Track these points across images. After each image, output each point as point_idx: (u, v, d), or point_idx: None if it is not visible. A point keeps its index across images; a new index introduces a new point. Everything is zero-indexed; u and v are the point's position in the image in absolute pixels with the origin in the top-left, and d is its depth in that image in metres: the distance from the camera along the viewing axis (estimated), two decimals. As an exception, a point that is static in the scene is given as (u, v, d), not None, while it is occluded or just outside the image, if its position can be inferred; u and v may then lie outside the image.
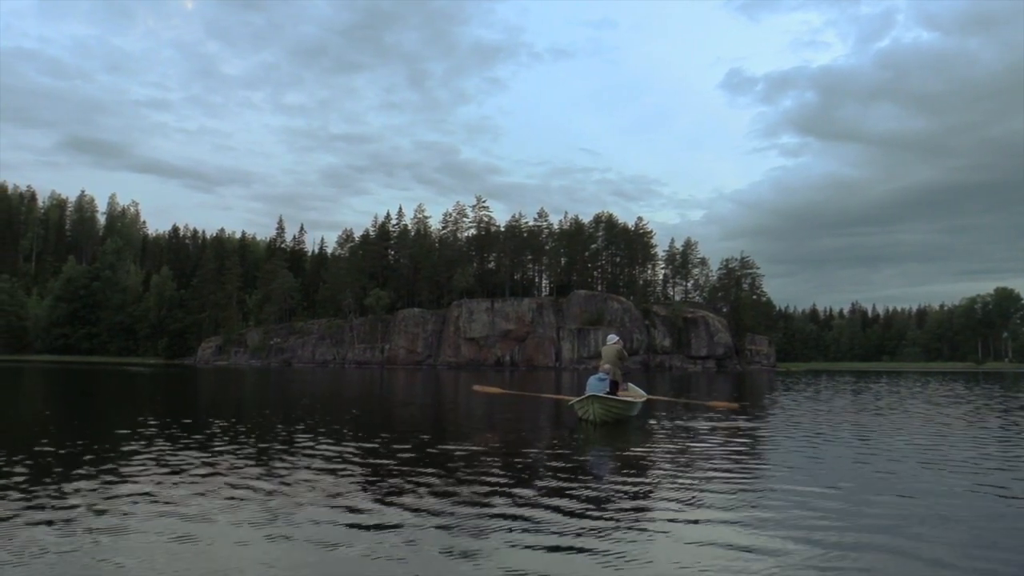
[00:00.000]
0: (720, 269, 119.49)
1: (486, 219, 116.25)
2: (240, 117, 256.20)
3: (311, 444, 8.49)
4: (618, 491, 5.84)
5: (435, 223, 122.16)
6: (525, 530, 4.46)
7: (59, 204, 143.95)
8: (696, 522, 4.75)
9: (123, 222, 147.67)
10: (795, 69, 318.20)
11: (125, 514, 4.74)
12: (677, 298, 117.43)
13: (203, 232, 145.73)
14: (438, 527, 4.51)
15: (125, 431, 9.65)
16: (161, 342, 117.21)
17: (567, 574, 3.67)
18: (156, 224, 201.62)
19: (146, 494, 5.40)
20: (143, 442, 8.42)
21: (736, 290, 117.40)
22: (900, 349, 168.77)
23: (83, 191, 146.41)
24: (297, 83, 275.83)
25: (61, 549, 3.91)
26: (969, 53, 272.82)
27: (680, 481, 6.31)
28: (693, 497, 5.56)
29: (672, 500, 5.45)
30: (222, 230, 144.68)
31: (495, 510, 5.01)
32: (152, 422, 11.06)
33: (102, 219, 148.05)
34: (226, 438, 8.99)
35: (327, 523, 4.59)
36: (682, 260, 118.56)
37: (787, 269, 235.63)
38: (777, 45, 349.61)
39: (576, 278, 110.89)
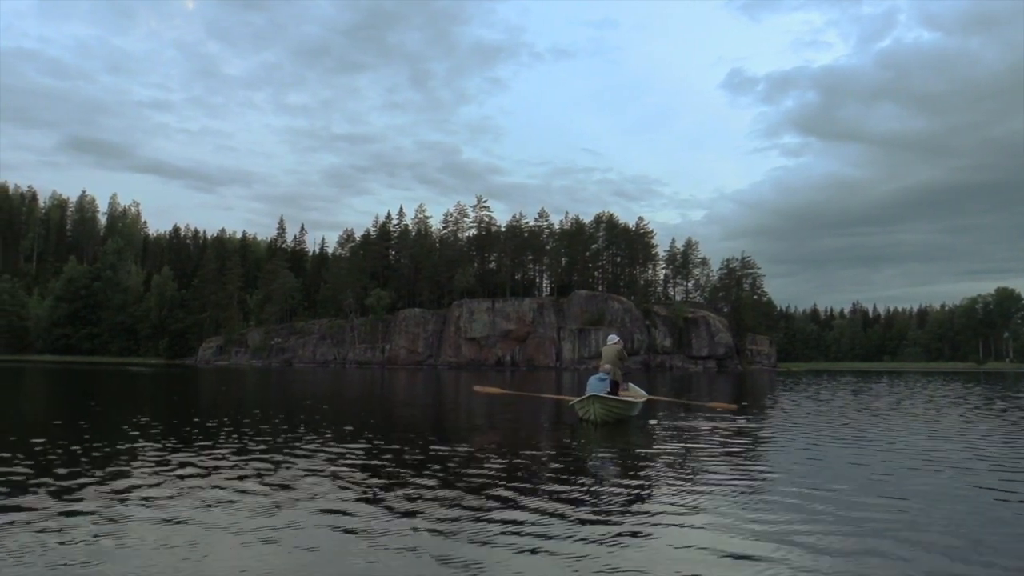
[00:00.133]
0: (721, 269, 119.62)
1: (487, 219, 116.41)
2: (242, 117, 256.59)
3: (312, 445, 8.49)
4: (619, 492, 5.85)
5: (436, 223, 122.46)
6: (526, 530, 4.46)
7: (60, 204, 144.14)
8: (696, 524, 4.75)
9: (124, 222, 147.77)
10: (796, 69, 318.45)
11: (126, 514, 4.75)
12: (678, 298, 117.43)
13: (204, 232, 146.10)
14: (439, 528, 4.51)
15: (126, 431, 9.67)
16: (162, 342, 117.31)
17: (568, 575, 3.67)
18: (157, 224, 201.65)
19: (147, 494, 5.41)
20: (144, 442, 8.43)
21: (737, 290, 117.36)
22: (901, 349, 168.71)
23: (84, 191, 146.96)
24: (299, 83, 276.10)
25: (62, 549, 3.92)
26: (971, 53, 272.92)
27: (680, 482, 6.32)
28: (693, 498, 5.56)
29: (672, 501, 5.46)
30: (223, 230, 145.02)
31: (496, 511, 5.01)
32: (153, 422, 11.08)
33: (103, 219, 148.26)
34: (227, 439, 9.00)
35: (328, 524, 4.59)
36: (683, 260, 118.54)
37: (788, 269, 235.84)
38: (778, 45, 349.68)
39: (577, 278, 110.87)
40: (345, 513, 4.90)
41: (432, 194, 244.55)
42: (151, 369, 54.98)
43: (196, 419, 11.71)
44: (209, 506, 5.05)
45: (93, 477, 6.09)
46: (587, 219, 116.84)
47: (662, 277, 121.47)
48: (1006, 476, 6.78)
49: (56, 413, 13.92)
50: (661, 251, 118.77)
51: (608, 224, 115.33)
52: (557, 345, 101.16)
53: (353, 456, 7.61)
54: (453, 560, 3.85)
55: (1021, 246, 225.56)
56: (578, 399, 12.05)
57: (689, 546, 4.19)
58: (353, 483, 6.04)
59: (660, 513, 5.05)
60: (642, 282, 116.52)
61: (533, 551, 4.03)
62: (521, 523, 4.65)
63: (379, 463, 7.19)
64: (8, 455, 7.15)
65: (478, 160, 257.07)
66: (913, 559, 3.92)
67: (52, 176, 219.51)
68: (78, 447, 7.93)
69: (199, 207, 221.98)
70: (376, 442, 8.92)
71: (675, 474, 6.76)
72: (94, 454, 7.46)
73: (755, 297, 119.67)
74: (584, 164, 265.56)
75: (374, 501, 5.31)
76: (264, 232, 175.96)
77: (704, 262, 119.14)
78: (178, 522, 4.57)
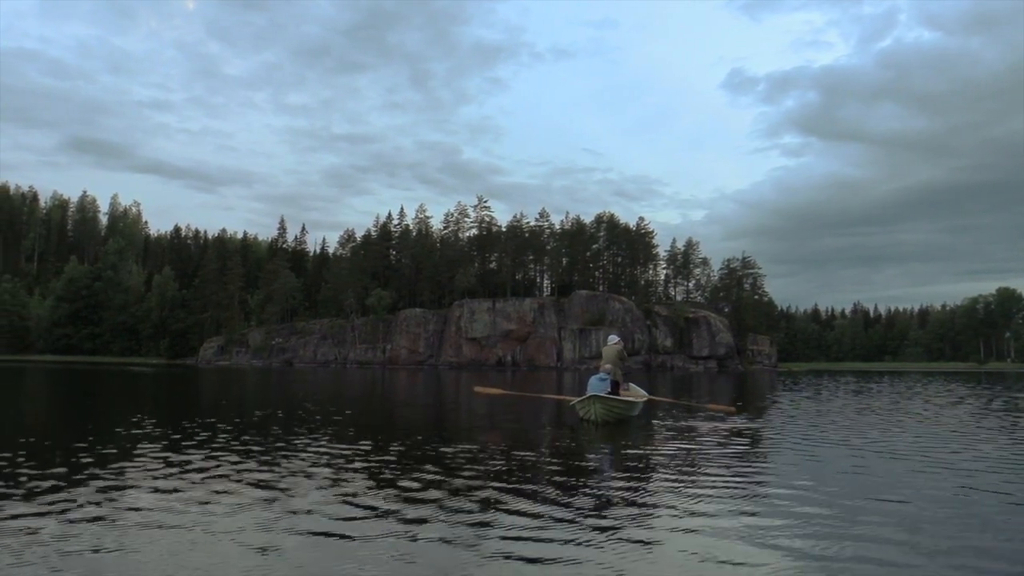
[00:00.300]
0: (722, 269, 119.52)
1: (488, 219, 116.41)
2: (242, 117, 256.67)
3: (313, 445, 8.51)
4: (619, 492, 5.86)
5: (437, 223, 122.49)
6: (527, 531, 4.47)
7: (61, 204, 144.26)
8: (696, 525, 4.76)
9: (125, 222, 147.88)
10: (797, 69, 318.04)
11: (127, 515, 4.76)
12: (679, 298, 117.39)
13: (205, 232, 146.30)
14: (439, 528, 4.52)
15: (127, 431, 9.68)
16: (163, 342, 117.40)
17: (568, 575, 3.68)
18: (158, 224, 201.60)
19: (148, 495, 5.42)
20: (145, 442, 8.45)
21: (738, 290, 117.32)
22: (902, 349, 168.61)
23: (85, 191, 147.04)
24: (299, 83, 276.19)
25: (64, 549, 3.93)
26: (971, 53, 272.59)
27: (681, 482, 6.32)
28: (694, 499, 5.57)
29: (673, 502, 5.47)
30: (224, 230, 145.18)
31: (496, 511, 5.02)
32: (155, 422, 11.09)
33: (104, 219, 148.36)
34: (228, 438, 9.01)
35: (329, 524, 4.60)
36: (684, 260, 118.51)
37: (789, 269, 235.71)
38: (779, 45, 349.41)
39: (577, 278, 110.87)
40: (346, 513, 4.91)
41: (432, 194, 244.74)
42: (152, 369, 55.03)
43: (197, 419, 11.72)
44: (210, 506, 5.06)
45: (94, 477, 6.10)
46: (588, 219, 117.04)
47: (663, 277, 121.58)
48: (1006, 477, 6.78)
49: (57, 413, 13.94)
50: (662, 251, 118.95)
51: (609, 224, 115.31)
52: (558, 345, 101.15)
53: (353, 457, 7.62)
54: (454, 560, 3.86)
55: (1022, 246, 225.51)
56: (579, 399, 12.06)
57: (689, 547, 4.20)
58: (353, 483, 6.05)
59: (661, 514, 5.05)
60: (643, 282, 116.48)
61: (534, 552, 4.04)
62: (522, 524, 4.66)
63: (379, 464, 7.20)
64: (10, 455, 7.16)
65: (478, 160, 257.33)
66: (912, 561, 3.93)
67: (53, 176, 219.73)
68: (79, 447, 7.94)
69: (200, 207, 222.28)
70: (376, 443, 8.93)
71: (676, 475, 6.76)
72: (95, 454, 7.47)
73: (756, 297, 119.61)
74: (584, 164, 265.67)
75: (374, 501, 5.32)
76: (265, 232, 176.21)
77: (705, 262, 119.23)
78: (179, 523, 4.58)
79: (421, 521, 4.70)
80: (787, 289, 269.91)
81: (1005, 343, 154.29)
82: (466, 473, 6.64)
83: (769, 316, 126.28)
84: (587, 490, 5.92)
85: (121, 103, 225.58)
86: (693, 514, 5.03)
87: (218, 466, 6.80)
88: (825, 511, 5.09)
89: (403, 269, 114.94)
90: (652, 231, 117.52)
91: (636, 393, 14.44)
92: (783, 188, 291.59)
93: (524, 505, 5.23)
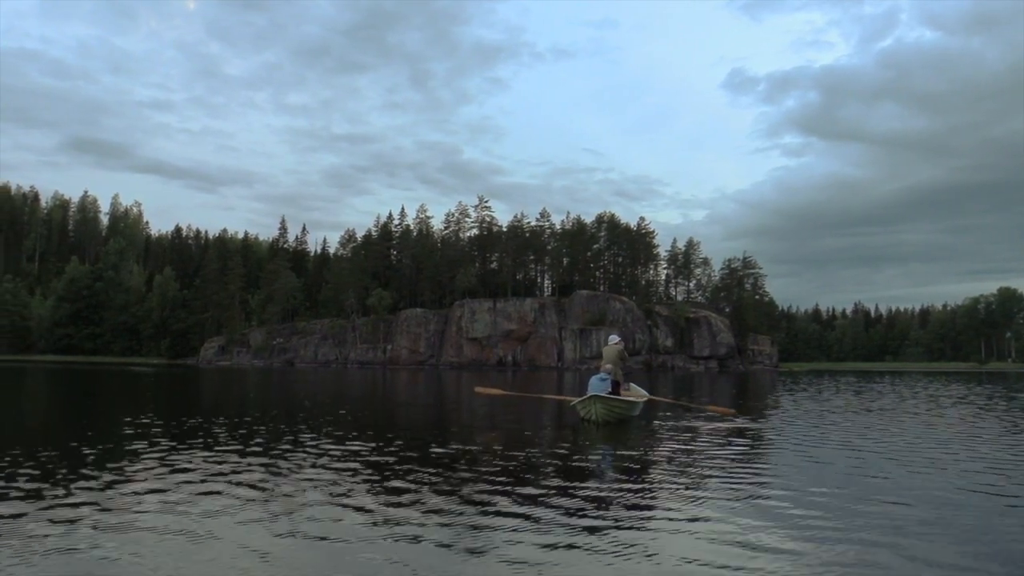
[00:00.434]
0: (722, 269, 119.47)
1: (488, 219, 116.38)
2: (242, 117, 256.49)
3: (314, 445, 8.52)
4: (620, 492, 5.87)
5: (437, 223, 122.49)
6: (527, 531, 4.48)
7: (62, 205, 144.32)
8: (696, 525, 4.77)
9: (126, 222, 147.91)
10: (797, 69, 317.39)
11: (129, 514, 4.77)
12: (679, 298, 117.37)
13: (206, 232, 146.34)
14: (440, 528, 4.53)
15: (129, 431, 9.70)
16: (164, 342, 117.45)
17: (569, 575, 3.69)
18: (159, 224, 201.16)
19: (149, 494, 5.44)
20: (147, 442, 8.46)
21: (738, 290, 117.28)
22: (903, 349, 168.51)
23: (86, 191, 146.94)
24: (299, 83, 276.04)
25: (65, 549, 3.94)
26: (972, 53, 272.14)
27: (681, 482, 6.34)
28: (694, 499, 5.58)
29: (673, 502, 5.48)
30: (225, 230, 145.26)
31: (497, 511, 5.03)
32: (156, 422, 11.10)
33: (105, 219, 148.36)
34: (229, 438, 9.03)
35: (330, 524, 4.62)
36: (684, 260, 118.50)
37: (790, 269, 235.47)
38: (779, 45, 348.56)
39: (578, 278, 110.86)
40: (346, 514, 4.92)
41: (433, 194, 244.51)
42: (153, 369, 55.07)
43: (198, 419, 11.74)
44: (211, 506, 5.07)
45: (95, 477, 6.12)
46: (588, 219, 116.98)
47: (664, 277, 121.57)
48: (1007, 478, 6.79)
49: (58, 413, 13.96)
50: (662, 251, 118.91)
51: (609, 224, 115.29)
52: (559, 345, 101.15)
53: (354, 457, 7.63)
54: (454, 560, 3.87)
55: (1022, 246, 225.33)
56: (579, 399, 12.07)
57: (690, 547, 4.21)
58: (354, 484, 6.06)
59: (661, 515, 5.07)
60: (644, 282, 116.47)
61: (534, 551, 4.05)
62: (522, 524, 4.67)
63: (380, 464, 7.21)
64: (11, 455, 7.18)
65: (479, 160, 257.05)
66: (912, 563, 3.94)
67: (54, 176, 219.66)
68: (80, 447, 7.96)
69: (201, 207, 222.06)
70: (377, 443, 8.94)
71: (676, 475, 6.78)
72: (96, 454, 7.49)
73: (757, 297, 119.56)
74: (585, 164, 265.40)
75: (374, 501, 5.33)
76: (266, 232, 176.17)
77: (706, 262, 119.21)
78: (179, 523, 4.59)
79: (422, 521, 4.71)
80: (788, 289, 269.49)
81: (1006, 343, 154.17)
82: (467, 473, 6.65)
83: (770, 316, 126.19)
84: (587, 490, 5.93)
85: (122, 103, 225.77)
86: (693, 515, 5.04)
87: (219, 467, 6.81)
88: (825, 512, 5.10)
89: (404, 269, 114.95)
90: (653, 231, 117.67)
91: (637, 393, 14.45)
92: (784, 188, 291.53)
93: (524, 505, 5.24)
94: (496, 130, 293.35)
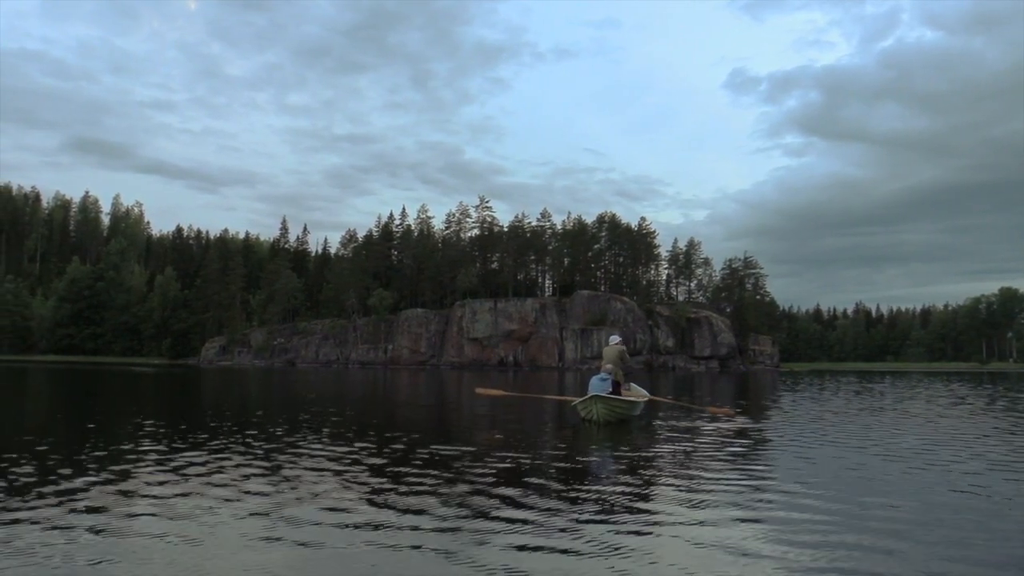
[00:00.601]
0: (723, 269, 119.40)
1: (489, 219, 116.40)
2: (244, 118, 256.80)
3: (314, 445, 8.53)
4: (620, 492, 5.88)
5: (438, 223, 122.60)
6: (528, 531, 4.50)
7: (63, 205, 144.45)
8: (697, 525, 4.78)
9: (127, 223, 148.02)
10: (799, 69, 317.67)
11: (130, 514, 4.79)
12: (680, 298, 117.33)
13: (207, 232, 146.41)
14: (440, 528, 4.55)
15: (129, 431, 9.72)
16: (165, 342, 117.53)
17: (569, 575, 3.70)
18: (160, 225, 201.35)
19: (151, 494, 5.45)
20: (147, 442, 8.48)
21: (740, 290, 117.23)
22: (904, 349, 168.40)
23: (87, 192, 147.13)
24: (300, 84, 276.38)
25: (66, 549, 3.96)
26: (973, 52, 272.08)
27: (681, 483, 6.35)
28: (694, 499, 5.59)
29: (674, 502, 5.50)
30: (226, 230, 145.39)
31: (498, 511, 5.04)
32: (156, 422, 11.12)
33: (106, 220, 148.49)
34: (230, 439, 9.04)
35: (330, 524, 4.63)
36: (685, 260, 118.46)
37: (791, 269, 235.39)
38: (781, 45, 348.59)
39: (579, 278, 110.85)
40: (347, 513, 4.93)
41: (434, 194, 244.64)
42: (154, 369, 55.10)
43: (199, 419, 11.76)
44: (212, 506, 5.09)
45: (97, 476, 6.14)
46: (589, 219, 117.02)
47: (664, 277, 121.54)
48: (1006, 478, 6.80)
49: (60, 413, 13.97)
50: (663, 251, 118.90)
51: (610, 224, 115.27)
52: (560, 345, 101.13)
53: (355, 456, 7.64)
54: (455, 561, 3.88)
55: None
56: (580, 399, 12.08)
57: (689, 547, 4.22)
58: (355, 483, 6.08)
59: (661, 514, 5.08)
60: (644, 282, 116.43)
61: (535, 551, 4.06)
62: (523, 524, 4.68)
63: (381, 463, 7.22)
64: (13, 455, 7.20)
65: (480, 160, 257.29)
66: (911, 563, 3.95)
67: (55, 176, 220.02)
68: (82, 447, 7.98)
69: (202, 207, 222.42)
70: (378, 442, 8.95)
71: (676, 475, 6.79)
72: (98, 454, 7.51)
73: (758, 297, 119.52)
74: (586, 164, 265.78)
75: (376, 501, 5.35)
76: (267, 232, 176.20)
77: (707, 262, 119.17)
78: (181, 523, 4.60)
79: (423, 520, 4.72)
80: (789, 289, 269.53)
81: (1007, 343, 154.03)
82: (467, 473, 6.67)
83: (771, 316, 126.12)
84: (588, 490, 5.94)
85: (123, 103, 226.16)
86: (693, 515, 5.05)
87: (220, 467, 6.82)
88: (824, 512, 5.11)
89: (405, 269, 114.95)
90: (654, 231, 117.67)
91: (637, 393, 14.47)
92: (785, 188, 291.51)
93: (525, 505, 5.25)
94: (497, 130, 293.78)
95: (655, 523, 4.80)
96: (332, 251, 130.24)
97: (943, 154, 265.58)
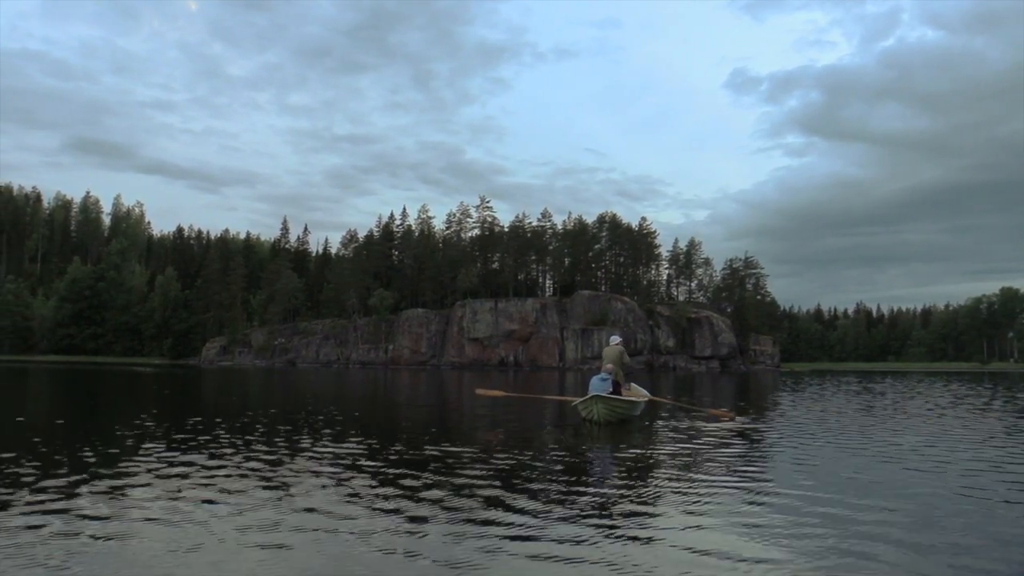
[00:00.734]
0: (724, 269, 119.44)
1: (490, 219, 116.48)
2: (245, 118, 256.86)
3: (315, 446, 8.54)
4: (621, 492, 5.88)
5: (439, 223, 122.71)
6: (528, 530, 4.50)
7: (64, 205, 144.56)
8: (697, 525, 4.79)
9: (128, 223, 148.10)
10: (800, 69, 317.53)
11: (130, 515, 4.79)
12: (681, 298, 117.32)
13: (208, 233, 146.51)
14: (442, 528, 4.55)
15: (130, 431, 9.72)
16: (166, 342, 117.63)
17: (566, 576, 3.71)
18: (161, 225, 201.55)
19: (151, 494, 5.45)
20: (148, 442, 8.48)
21: (740, 290, 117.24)
22: (905, 349, 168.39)
23: (88, 192, 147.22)
24: (301, 84, 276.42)
25: (68, 549, 3.96)
26: (975, 52, 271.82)
27: (681, 482, 6.35)
28: (695, 499, 5.59)
29: (673, 502, 5.50)
30: (227, 231, 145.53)
31: (498, 511, 5.05)
32: (157, 423, 11.13)
33: (107, 220, 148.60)
34: (231, 439, 9.04)
35: (331, 524, 4.63)
36: (686, 260, 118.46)
37: (792, 269, 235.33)
38: (782, 45, 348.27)
39: (580, 278, 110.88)
40: (349, 513, 4.94)
41: (435, 194, 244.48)
42: (155, 369, 55.14)
43: (199, 419, 11.76)
44: (214, 506, 5.09)
45: (97, 477, 6.14)
46: (590, 219, 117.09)
47: (665, 277, 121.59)
48: (1006, 478, 6.79)
49: (60, 413, 13.98)
50: (664, 251, 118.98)
51: (611, 224, 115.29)
52: (560, 345, 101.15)
53: (356, 457, 7.65)
54: (456, 561, 3.88)
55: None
56: (581, 399, 12.08)
57: (690, 548, 4.22)
58: (356, 483, 6.08)
59: (661, 514, 5.09)
60: (645, 282, 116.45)
61: (535, 552, 4.07)
62: (523, 523, 4.68)
63: (382, 463, 7.23)
64: (13, 455, 7.20)
65: (481, 160, 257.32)
66: (911, 563, 3.95)
67: (56, 177, 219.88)
68: (82, 447, 7.98)
69: (203, 208, 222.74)
70: (379, 443, 8.96)
71: (676, 475, 6.79)
72: (98, 454, 7.51)
73: (758, 297, 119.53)
74: (587, 164, 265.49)
75: (377, 501, 5.35)
76: (268, 232, 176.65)
77: (707, 262, 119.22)
78: (183, 523, 4.61)
79: (424, 521, 4.72)
80: (790, 289, 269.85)
81: (1008, 343, 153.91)
82: (468, 473, 6.67)
83: (772, 316, 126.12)
84: (588, 490, 5.94)
85: (124, 104, 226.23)
86: (693, 515, 5.05)
87: (221, 466, 6.83)
88: (824, 512, 5.11)
89: (405, 269, 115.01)
90: (654, 231, 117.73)
91: (638, 393, 14.47)
92: (786, 188, 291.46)
93: (526, 505, 5.25)
94: (498, 130, 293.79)
95: (654, 525, 4.80)
96: (333, 251, 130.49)
97: (944, 154, 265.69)
